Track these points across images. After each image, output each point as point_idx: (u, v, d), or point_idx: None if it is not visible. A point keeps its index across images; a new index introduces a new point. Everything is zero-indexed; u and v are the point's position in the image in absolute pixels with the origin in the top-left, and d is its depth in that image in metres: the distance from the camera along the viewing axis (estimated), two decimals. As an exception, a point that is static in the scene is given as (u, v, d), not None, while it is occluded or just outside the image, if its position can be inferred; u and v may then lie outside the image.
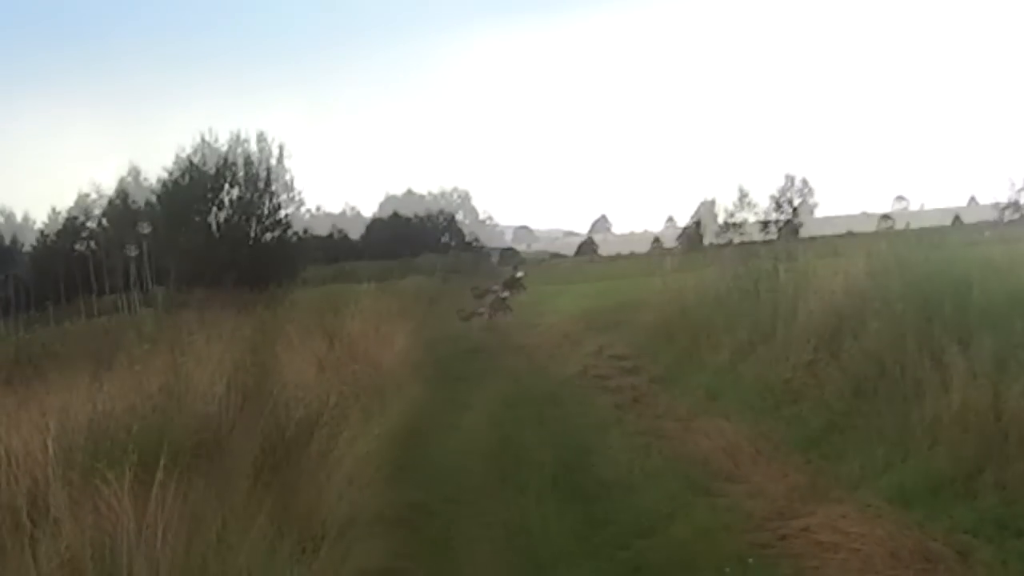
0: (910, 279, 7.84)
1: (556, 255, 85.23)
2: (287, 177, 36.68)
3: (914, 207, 73.84)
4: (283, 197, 36.69)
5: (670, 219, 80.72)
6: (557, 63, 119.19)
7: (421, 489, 6.81)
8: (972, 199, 72.76)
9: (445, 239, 66.61)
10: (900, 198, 76.39)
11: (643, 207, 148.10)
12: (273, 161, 36.57)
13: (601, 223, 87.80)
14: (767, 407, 8.09)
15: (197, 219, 34.89)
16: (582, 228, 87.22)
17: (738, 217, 67.54)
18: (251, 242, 34.42)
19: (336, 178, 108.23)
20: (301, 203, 37.51)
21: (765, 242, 64.03)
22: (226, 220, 35.28)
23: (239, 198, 36.39)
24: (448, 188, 68.20)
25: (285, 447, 6.80)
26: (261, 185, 36.50)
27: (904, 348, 6.89)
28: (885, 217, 76.25)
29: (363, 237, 66.36)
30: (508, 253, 79.07)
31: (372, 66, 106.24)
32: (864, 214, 69.82)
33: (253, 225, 35.31)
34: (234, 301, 21.44)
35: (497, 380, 11.77)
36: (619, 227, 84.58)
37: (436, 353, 15.48)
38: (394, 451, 7.71)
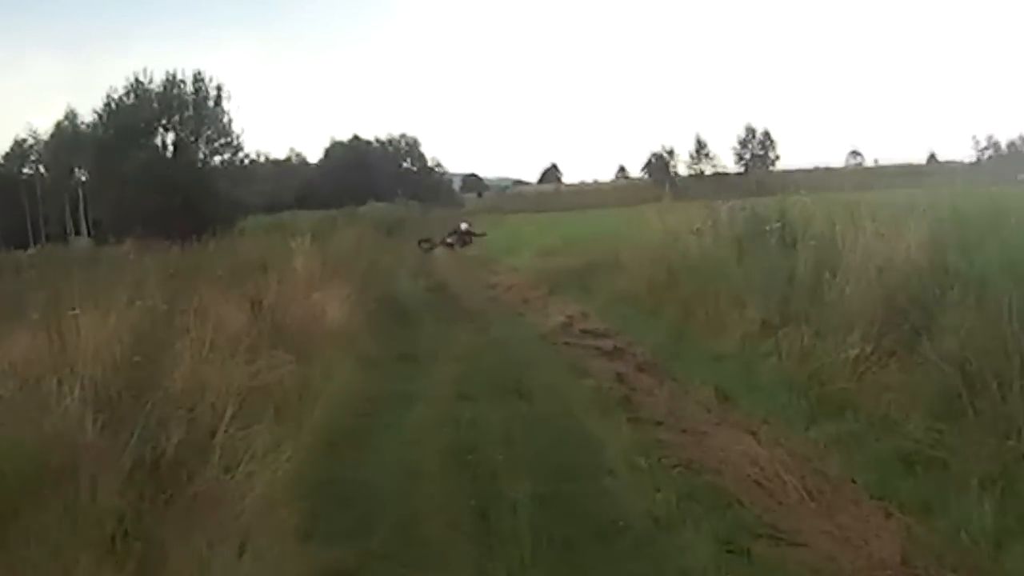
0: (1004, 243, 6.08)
1: (520, 182, 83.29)
2: (224, 120, 33.97)
3: (867, 163, 73.71)
4: (220, 141, 34.08)
5: (621, 169, 79.56)
6: (506, 9, 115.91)
7: (348, 542, 4.88)
8: (932, 156, 72.51)
9: (407, 164, 64.60)
10: (855, 153, 75.79)
11: (593, 157, 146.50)
12: (211, 103, 33.91)
13: (551, 172, 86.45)
14: (801, 418, 6.27)
15: (127, 165, 32.13)
16: (531, 177, 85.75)
17: (699, 167, 66.45)
18: (184, 189, 31.79)
19: (280, 125, 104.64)
20: (239, 148, 34.70)
21: (739, 175, 63.02)
22: (159, 165, 32.58)
23: (173, 143, 33.79)
24: (396, 134, 65.74)
25: (157, 484, 4.86)
26: (195, 129, 33.90)
27: (1004, 349, 5.10)
28: (855, 153, 75.52)
29: (321, 163, 64.03)
30: (471, 179, 77.12)
31: (319, 10, 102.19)
32: (818, 168, 69.03)
33: (186, 171, 32.64)
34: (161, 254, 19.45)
35: (449, 362, 9.79)
36: (569, 177, 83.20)
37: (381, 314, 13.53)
38: (314, 478, 5.76)
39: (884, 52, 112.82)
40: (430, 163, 66.04)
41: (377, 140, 65.41)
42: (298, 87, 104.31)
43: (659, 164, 70.08)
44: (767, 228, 9.34)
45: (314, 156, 66.36)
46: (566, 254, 19.68)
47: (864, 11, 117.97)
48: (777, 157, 66.01)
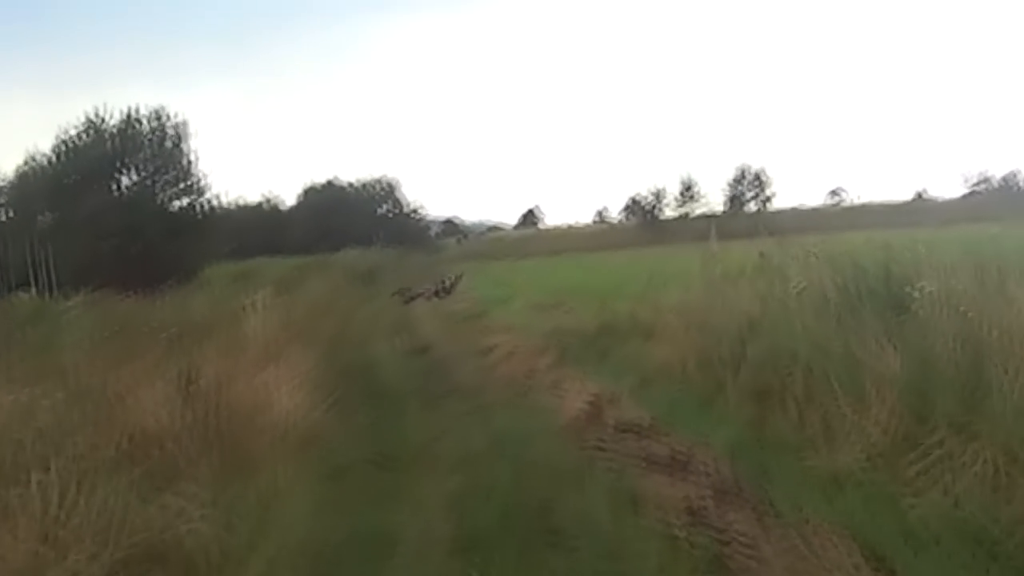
0: None
1: (496, 227, 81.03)
2: (185, 161, 31.25)
3: (847, 202, 72.05)
4: (182, 185, 31.35)
5: (599, 212, 77.79)
6: (485, 55, 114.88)
7: None
8: (919, 194, 71.03)
9: (384, 208, 62.30)
10: (834, 192, 74.17)
11: (571, 200, 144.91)
12: (169, 144, 31.23)
13: (530, 216, 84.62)
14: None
15: (81, 210, 29.31)
16: (509, 221, 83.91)
17: (684, 209, 64.36)
18: (142, 235, 28.95)
19: (254, 169, 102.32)
20: (203, 191, 31.87)
21: (730, 216, 60.79)
22: (115, 210, 29.76)
23: (130, 186, 31.05)
24: (372, 178, 63.53)
25: None
26: (156, 170, 31.18)
27: None
28: (834, 192, 73.84)
29: (296, 208, 61.61)
30: (449, 226, 74.81)
31: (296, 52, 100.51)
32: (801, 208, 67.21)
33: (145, 216, 29.79)
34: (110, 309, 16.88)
35: (442, 473, 7.13)
36: (547, 220, 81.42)
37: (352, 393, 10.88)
38: None
39: (862, 88, 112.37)
40: (409, 207, 63.63)
41: (353, 184, 63.01)
42: (273, 131, 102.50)
43: (639, 207, 68.28)
44: (877, 284, 6.83)
45: (289, 201, 63.73)
46: (567, 309, 17.13)
47: (843, 48, 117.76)
48: (771, 197, 64.11)
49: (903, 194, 71.84)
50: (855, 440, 5.80)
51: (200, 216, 31.55)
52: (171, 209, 30.97)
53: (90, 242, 28.54)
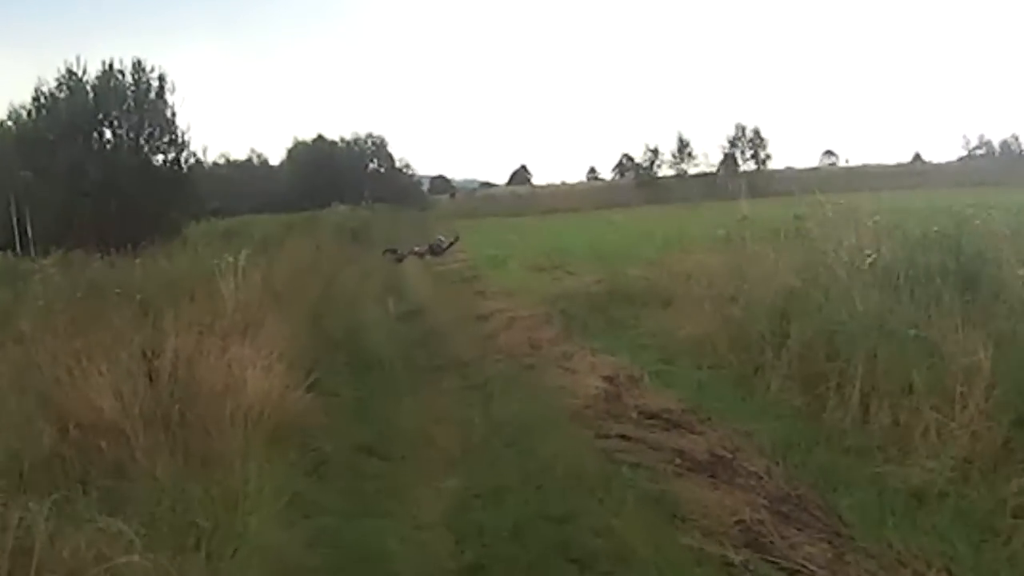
0: None
1: (487, 184, 79.62)
2: (168, 114, 29.71)
3: (841, 163, 70.82)
4: (163, 139, 29.83)
5: (592, 170, 76.41)
6: (472, 6, 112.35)
7: None
8: (917, 156, 69.85)
9: (374, 165, 60.89)
10: (829, 152, 72.89)
11: (562, 158, 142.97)
12: (152, 96, 29.67)
13: (520, 174, 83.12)
14: None
15: (58, 166, 27.84)
16: (499, 179, 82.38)
17: (680, 168, 63.06)
18: (121, 192, 27.55)
19: (242, 125, 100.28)
20: (185, 145, 30.29)
21: (727, 175, 59.56)
22: (93, 166, 28.29)
23: (109, 140, 29.52)
24: (362, 134, 61.84)
25: None
26: (136, 125, 29.58)
27: None
28: (829, 153, 72.59)
29: (283, 164, 60.17)
30: (439, 182, 73.31)
31: (283, 7, 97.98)
32: (789, 168, 65.87)
33: (123, 172, 28.33)
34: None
35: (439, 467, 6.14)
36: (538, 178, 79.99)
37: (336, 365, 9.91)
38: None
39: (856, 49, 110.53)
40: (398, 164, 62.13)
41: (342, 140, 61.39)
42: (261, 86, 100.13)
43: (632, 165, 66.98)
44: (948, 258, 5.79)
45: (276, 157, 62.17)
46: (568, 271, 16.10)
47: (839, 9, 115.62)
48: (768, 157, 62.75)
49: (897, 156, 70.46)
50: (939, 445, 4.80)
51: (182, 171, 30.12)
52: (153, 164, 29.53)
53: (69, 199, 27.27)
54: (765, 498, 4.92)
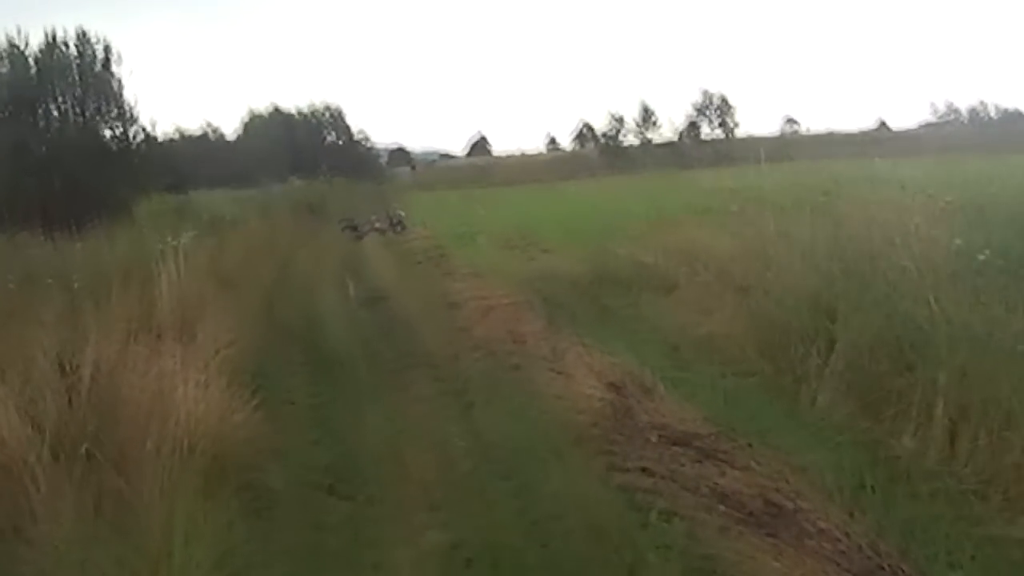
0: None
1: (446, 155, 77.75)
2: (115, 86, 27.71)
3: (803, 131, 69.88)
4: (111, 112, 27.87)
5: (551, 139, 74.81)
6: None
7: None
8: (883, 123, 69.14)
9: (331, 137, 58.83)
10: (790, 120, 71.86)
11: (520, 127, 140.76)
12: (98, 67, 27.65)
13: (480, 144, 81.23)
14: None
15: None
16: (457, 149, 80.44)
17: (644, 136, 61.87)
18: (64, 169, 25.67)
19: (195, 98, 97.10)
20: (133, 119, 28.28)
21: (694, 144, 58.53)
22: (34, 142, 26.36)
23: (52, 115, 27.54)
24: (319, 105, 59.64)
25: None
26: (81, 98, 27.56)
27: None
28: (790, 121, 71.67)
29: (239, 138, 57.78)
30: (398, 153, 71.33)
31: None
32: (750, 136, 64.89)
33: (67, 148, 26.42)
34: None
35: (416, 511, 4.90)
36: (497, 148, 78.13)
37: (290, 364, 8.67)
38: None
39: (815, 12, 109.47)
40: (356, 135, 60.08)
41: (299, 112, 59.15)
42: (213, 56, 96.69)
43: (592, 134, 65.63)
44: None
45: (232, 130, 59.73)
46: (543, 249, 14.88)
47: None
48: (736, 125, 61.64)
49: (860, 123, 69.69)
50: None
51: (131, 146, 28.20)
52: (99, 139, 27.61)
53: (13, 178, 25.39)
54: (849, 572, 3.75)
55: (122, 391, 5.97)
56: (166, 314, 8.85)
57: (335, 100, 61.38)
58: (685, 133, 61.78)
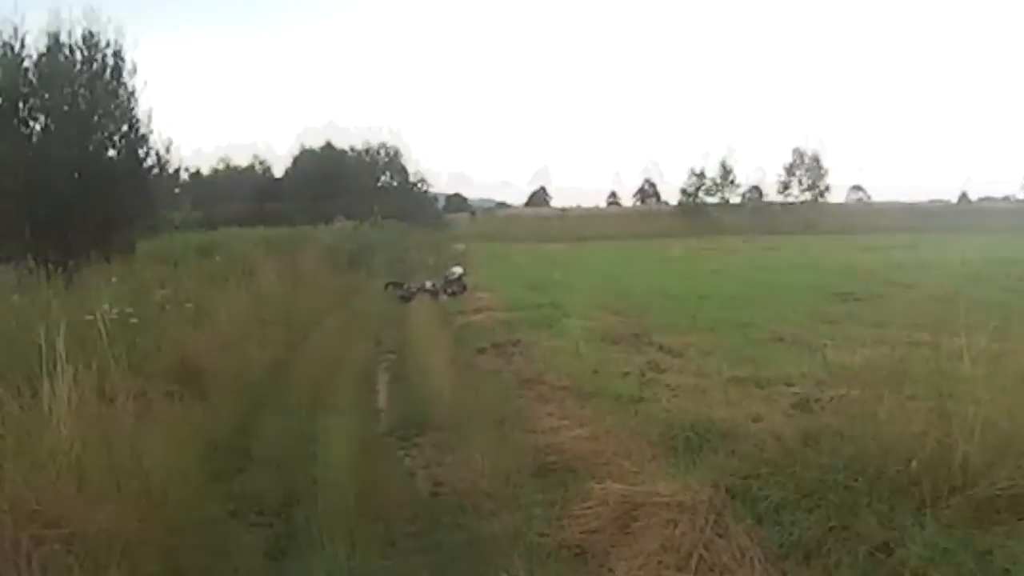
0: None
1: (503, 204, 73.52)
2: (124, 99, 23.22)
3: (867, 199, 64.48)
4: (120, 129, 23.30)
5: (612, 195, 70.70)
6: (485, 18, 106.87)
7: None
8: (964, 195, 63.30)
9: (386, 178, 55.23)
10: (856, 187, 66.42)
11: (579, 183, 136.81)
12: (107, 77, 23.09)
13: (540, 195, 77.19)
14: None
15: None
16: (515, 200, 76.63)
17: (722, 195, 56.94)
18: (57, 194, 21.26)
19: (247, 132, 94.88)
20: (143, 138, 23.58)
21: (783, 205, 53.42)
22: (24, 161, 21.94)
23: (47, 128, 23.13)
24: (374, 144, 56.35)
25: None
26: (87, 111, 23.05)
27: None
28: (856, 188, 66.31)
29: (288, 173, 54.72)
30: (456, 199, 67.26)
31: (292, 8, 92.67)
32: (835, 204, 59.48)
33: (63, 169, 21.97)
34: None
35: None
36: (556, 201, 74.33)
37: None
38: None
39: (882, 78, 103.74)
40: (412, 177, 56.37)
41: (352, 149, 55.75)
42: (267, 88, 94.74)
43: (653, 190, 61.64)
44: None
45: (281, 166, 56.77)
46: (669, 348, 10.00)
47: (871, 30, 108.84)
48: (827, 188, 56.35)
49: (927, 195, 63.99)
50: None
51: (140, 171, 23.76)
52: (99, 161, 23.10)
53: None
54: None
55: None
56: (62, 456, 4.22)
57: (393, 142, 57.49)
58: (776, 191, 56.73)
